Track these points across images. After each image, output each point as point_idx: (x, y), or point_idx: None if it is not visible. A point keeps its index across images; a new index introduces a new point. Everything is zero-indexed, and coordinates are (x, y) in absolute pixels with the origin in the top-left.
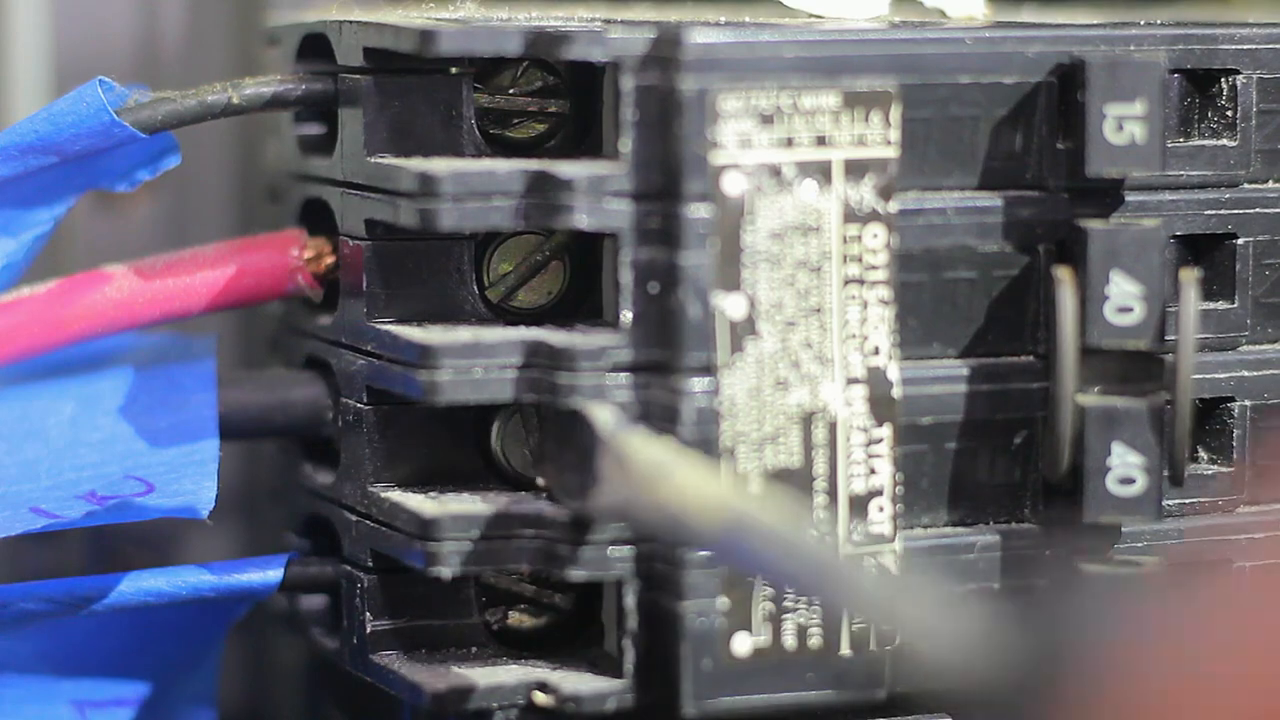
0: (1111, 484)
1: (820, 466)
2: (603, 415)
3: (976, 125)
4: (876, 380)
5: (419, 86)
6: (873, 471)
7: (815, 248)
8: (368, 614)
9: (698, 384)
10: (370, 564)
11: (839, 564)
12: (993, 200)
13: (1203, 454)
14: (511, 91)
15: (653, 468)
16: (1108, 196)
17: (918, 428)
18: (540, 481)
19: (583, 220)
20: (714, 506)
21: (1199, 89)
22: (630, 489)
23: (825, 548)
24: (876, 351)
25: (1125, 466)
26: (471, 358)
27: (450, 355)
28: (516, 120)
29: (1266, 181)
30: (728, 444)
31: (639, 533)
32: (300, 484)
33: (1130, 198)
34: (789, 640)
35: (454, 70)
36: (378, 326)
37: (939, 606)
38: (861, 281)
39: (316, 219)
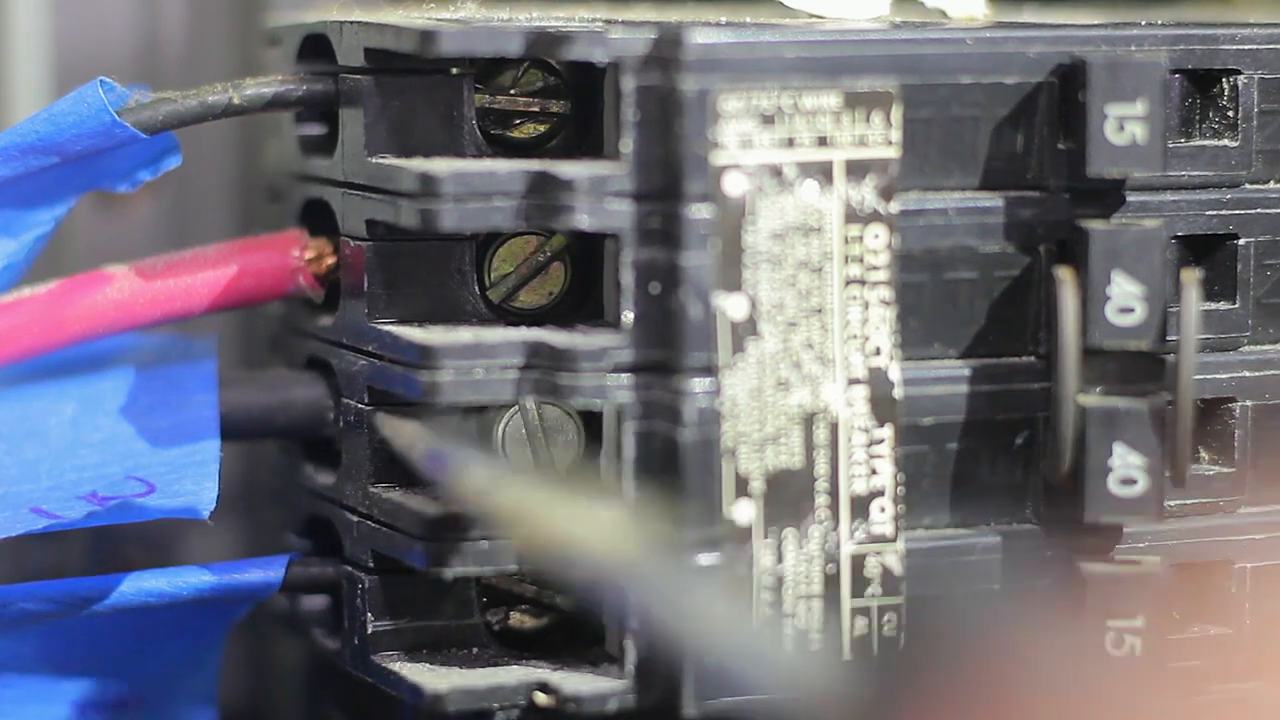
0: (1113, 484)
1: (822, 467)
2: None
3: (977, 125)
4: (878, 381)
5: (420, 87)
6: (874, 472)
7: (816, 248)
8: (369, 614)
9: (699, 384)
10: (371, 564)
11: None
12: (994, 201)
13: (1204, 454)
14: (512, 92)
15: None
16: (1109, 197)
17: (919, 428)
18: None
19: (584, 221)
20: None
21: (1200, 89)
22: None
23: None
24: (878, 352)
25: (1127, 467)
26: (472, 358)
27: (451, 356)
28: (517, 120)
29: (1268, 182)
30: (729, 444)
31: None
32: (301, 484)
33: (1131, 198)
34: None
35: (455, 71)
36: (379, 327)
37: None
38: (863, 282)
39: (317, 219)
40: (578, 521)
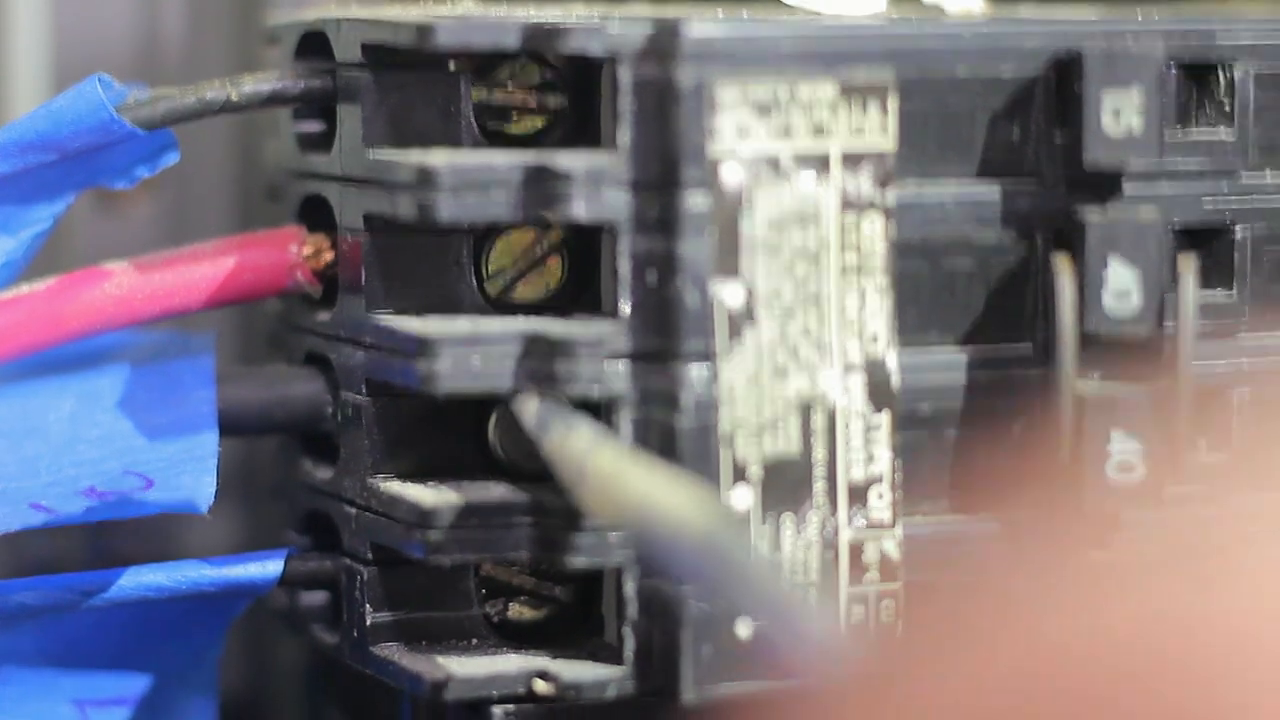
0: (1111, 471)
1: (819, 454)
2: (529, 408)
3: (974, 117)
4: (875, 368)
5: (417, 81)
6: (872, 459)
7: (813, 237)
8: (368, 606)
9: (696, 371)
10: (370, 556)
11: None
12: (991, 190)
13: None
14: (509, 86)
15: (576, 466)
16: (1105, 186)
17: (917, 415)
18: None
19: (581, 211)
20: (626, 505)
21: (1197, 81)
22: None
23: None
24: (875, 339)
25: (1124, 454)
26: (470, 348)
27: (448, 346)
28: (515, 115)
29: (1264, 172)
30: (726, 431)
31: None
32: (300, 480)
33: (1128, 187)
34: None
35: (452, 65)
36: (376, 320)
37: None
38: (860, 270)
39: (316, 216)
40: (662, 488)
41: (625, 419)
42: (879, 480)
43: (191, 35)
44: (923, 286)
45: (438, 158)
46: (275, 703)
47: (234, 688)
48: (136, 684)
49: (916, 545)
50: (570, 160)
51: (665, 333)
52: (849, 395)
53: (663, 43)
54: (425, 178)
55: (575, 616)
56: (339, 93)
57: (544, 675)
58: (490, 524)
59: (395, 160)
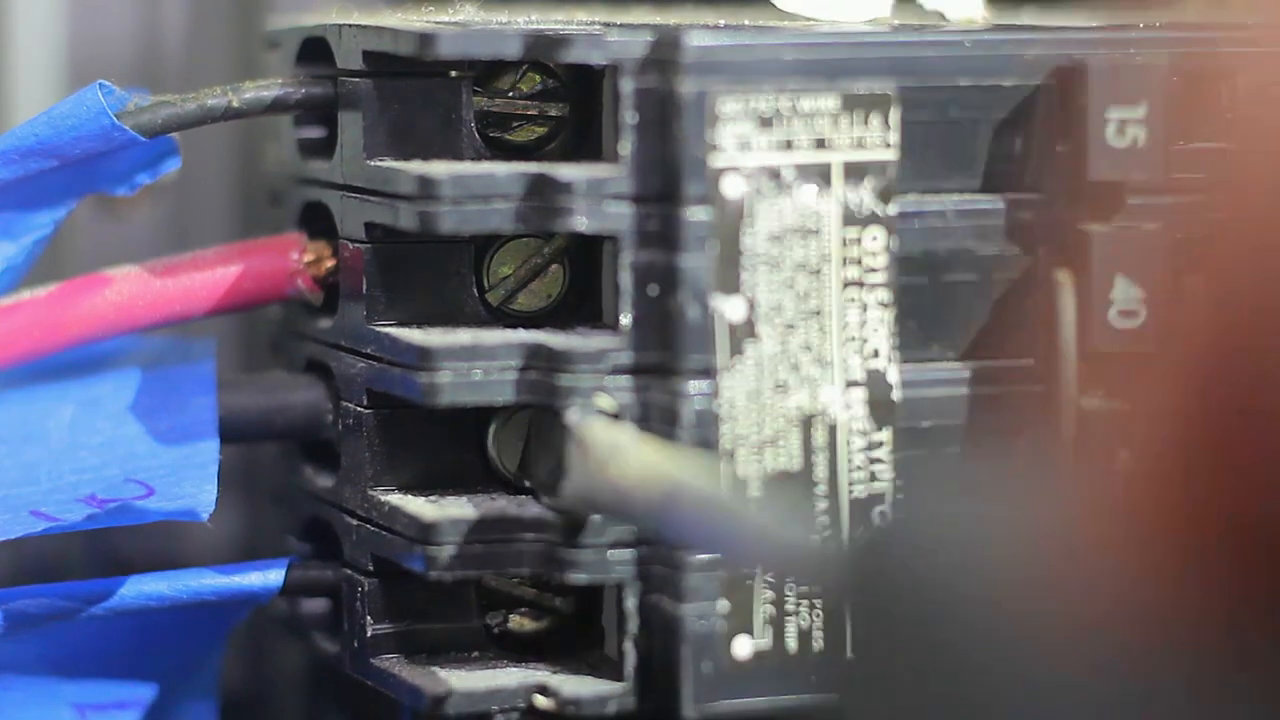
0: None
1: (821, 470)
2: (572, 410)
3: (976, 128)
4: (876, 383)
5: (418, 90)
6: (873, 476)
7: (815, 250)
8: (368, 617)
9: (697, 386)
10: (371, 568)
11: (776, 535)
12: (993, 203)
13: None
14: (511, 95)
15: (607, 448)
16: (1109, 200)
17: (918, 431)
18: (527, 482)
19: (582, 223)
20: (654, 478)
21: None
22: (589, 472)
23: (763, 519)
24: (876, 354)
25: None
26: (471, 360)
27: (449, 357)
28: (516, 123)
29: None
30: (727, 446)
31: (608, 520)
32: (301, 487)
33: (1132, 201)
34: (791, 643)
35: (453, 73)
36: (377, 329)
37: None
38: (861, 284)
39: (317, 222)
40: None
41: None
42: (880, 499)
43: (193, 41)
44: (924, 300)
45: (439, 168)
46: (276, 706)
47: (234, 691)
48: (137, 689)
49: None
50: (572, 172)
51: (666, 346)
52: (850, 411)
53: (664, 53)
54: (427, 188)
55: (576, 627)
56: (340, 100)
57: (544, 690)
58: (491, 539)
59: (397, 170)
